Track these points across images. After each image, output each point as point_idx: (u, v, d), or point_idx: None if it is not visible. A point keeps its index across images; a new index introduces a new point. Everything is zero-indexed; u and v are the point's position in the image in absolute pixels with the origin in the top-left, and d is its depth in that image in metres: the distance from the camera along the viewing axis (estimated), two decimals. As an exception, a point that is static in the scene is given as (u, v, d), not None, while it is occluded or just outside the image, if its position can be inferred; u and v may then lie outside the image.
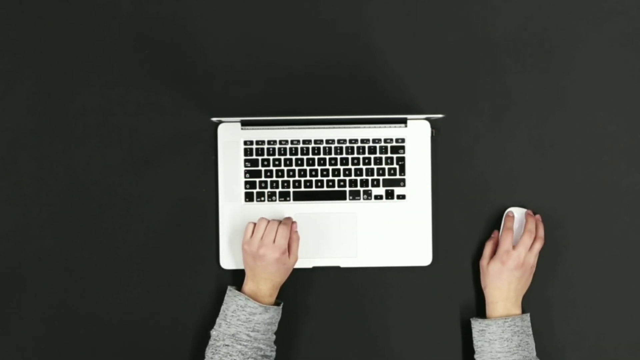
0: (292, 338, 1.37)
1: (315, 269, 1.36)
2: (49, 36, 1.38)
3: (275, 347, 1.29)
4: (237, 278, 1.35)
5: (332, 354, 1.37)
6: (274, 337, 1.29)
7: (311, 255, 1.36)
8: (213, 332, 1.27)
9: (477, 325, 1.29)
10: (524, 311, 1.31)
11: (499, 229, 1.35)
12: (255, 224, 1.29)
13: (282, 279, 1.30)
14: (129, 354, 1.37)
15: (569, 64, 1.38)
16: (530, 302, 1.36)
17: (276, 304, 1.30)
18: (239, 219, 1.35)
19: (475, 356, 1.29)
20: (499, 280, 1.29)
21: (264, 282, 1.28)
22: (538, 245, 1.31)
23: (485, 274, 1.32)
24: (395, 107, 1.37)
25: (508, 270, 1.29)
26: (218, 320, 1.28)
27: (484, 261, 1.33)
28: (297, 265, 1.35)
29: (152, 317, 1.37)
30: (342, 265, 1.36)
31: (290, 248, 1.29)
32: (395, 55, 1.38)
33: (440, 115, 1.29)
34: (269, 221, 1.28)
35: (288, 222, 1.30)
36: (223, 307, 1.28)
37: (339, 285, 1.37)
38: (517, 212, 1.35)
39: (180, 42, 1.38)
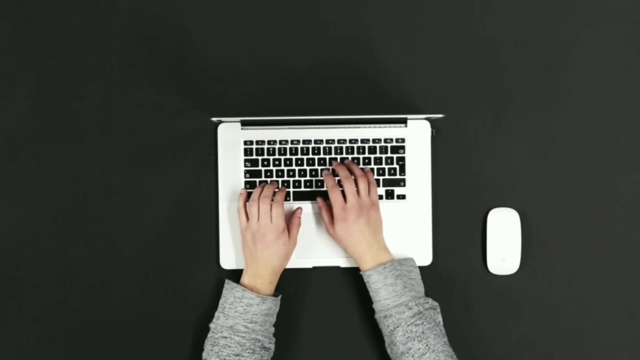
0: (292, 338, 1.37)
1: (315, 269, 1.36)
2: (49, 36, 1.38)
3: (274, 339, 1.29)
4: (237, 278, 1.35)
5: (332, 354, 1.37)
6: (272, 329, 1.29)
7: (311, 255, 1.36)
8: (212, 325, 1.28)
9: (364, 277, 1.29)
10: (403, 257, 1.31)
11: (491, 231, 1.35)
12: (245, 210, 1.30)
13: (281, 264, 1.30)
14: (129, 355, 1.37)
15: (569, 64, 1.38)
16: (530, 302, 1.36)
17: (274, 296, 1.30)
18: (238, 220, 1.35)
19: (373, 305, 1.29)
20: (351, 236, 1.28)
21: (264, 266, 1.28)
22: (362, 184, 1.30)
23: (338, 239, 1.31)
24: (395, 107, 1.37)
25: (353, 223, 1.28)
26: (216, 314, 1.28)
27: (329, 229, 1.32)
28: (297, 265, 1.35)
29: (152, 317, 1.37)
30: (342, 265, 1.36)
31: (290, 232, 1.30)
32: (395, 55, 1.38)
33: (440, 115, 1.29)
34: (259, 203, 1.28)
35: (281, 200, 1.30)
36: (221, 301, 1.29)
37: (339, 285, 1.37)
38: (500, 211, 1.36)
39: (180, 42, 1.38)
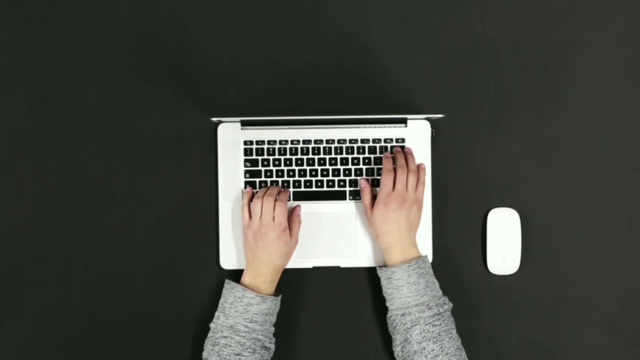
0: (292, 338, 1.37)
1: (315, 269, 1.36)
2: (49, 36, 1.38)
3: (274, 339, 1.29)
4: (237, 278, 1.35)
5: (332, 354, 1.37)
6: (272, 329, 1.29)
7: (311, 255, 1.36)
8: (212, 325, 1.28)
9: (383, 273, 1.29)
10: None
11: (491, 231, 1.35)
12: (249, 208, 1.30)
13: (282, 262, 1.30)
14: (129, 355, 1.37)
15: (568, 64, 1.38)
16: (530, 302, 1.36)
17: (274, 296, 1.30)
18: (239, 219, 1.35)
19: (387, 304, 1.29)
20: (387, 224, 1.29)
21: (265, 264, 1.28)
22: (412, 179, 1.30)
23: (373, 222, 1.31)
24: (395, 107, 1.37)
25: (393, 211, 1.28)
26: (217, 313, 1.28)
27: (367, 211, 1.32)
28: (297, 265, 1.35)
29: (152, 317, 1.37)
30: (342, 265, 1.36)
31: (291, 230, 1.31)
32: (395, 55, 1.38)
33: (440, 115, 1.29)
34: (263, 201, 1.29)
35: (284, 199, 1.30)
36: (221, 300, 1.29)
37: (339, 285, 1.37)
38: (500, 211, 1.36)
39: (180, 42, 1.38)
